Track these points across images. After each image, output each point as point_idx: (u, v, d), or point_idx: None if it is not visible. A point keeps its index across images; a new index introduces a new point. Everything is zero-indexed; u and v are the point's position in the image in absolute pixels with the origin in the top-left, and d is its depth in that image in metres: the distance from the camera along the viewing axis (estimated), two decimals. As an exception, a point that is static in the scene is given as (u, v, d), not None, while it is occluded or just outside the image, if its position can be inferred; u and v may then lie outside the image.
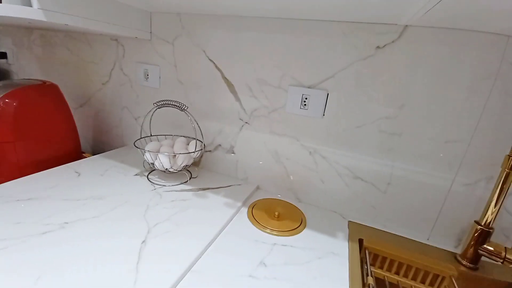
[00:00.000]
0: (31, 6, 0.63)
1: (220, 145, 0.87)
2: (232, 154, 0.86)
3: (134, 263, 0.47)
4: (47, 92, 0.87)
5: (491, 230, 0.57)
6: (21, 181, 0.69)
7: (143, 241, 0.53)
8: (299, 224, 0.67)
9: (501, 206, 0.56)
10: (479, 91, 0.57)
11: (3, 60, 1.31)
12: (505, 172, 0.54)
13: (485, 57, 0.55)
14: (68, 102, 0.94)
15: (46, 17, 0.62)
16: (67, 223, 0.55)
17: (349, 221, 0.72)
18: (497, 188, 0.55)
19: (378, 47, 0.62)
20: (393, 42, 0.61)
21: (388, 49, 0.61)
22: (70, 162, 0.82)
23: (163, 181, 0.78)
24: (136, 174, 0.80)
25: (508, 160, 0.53)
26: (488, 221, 0.57)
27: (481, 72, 0.56)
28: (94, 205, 0.62)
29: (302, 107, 0.72)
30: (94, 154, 0.93)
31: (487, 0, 0.37)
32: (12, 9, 0.60)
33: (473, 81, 0.57)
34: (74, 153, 0.94)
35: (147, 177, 0.79)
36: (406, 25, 0.59)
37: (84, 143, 1.17)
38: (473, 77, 0.57)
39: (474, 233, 0.58)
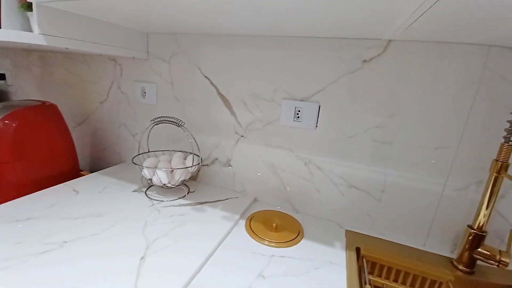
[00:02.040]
0: (31, 31, 0.66)
1: (217, 158, 0.89)
2: (229, 167, 0.87)
3: (133, 280, 0.47)
4: (46, 113, 0.89)
5: (484, 234, 0.58)
6: (20, 201, 0.69)
7: (142, 257, 0.53)
8: (296, 235, 0.67)
9: (493, 209, 0.57)
10: (464, 98, 0.60)
11: (2, 82, 1.33)
12: (494, 176, 0.55)
13: (468, 66, 0.59)
14: (66, 121, 0.96)
15: (47, 42, 0.64)
16: (65, 242, 0.56)
17: (346, 230, 0.72)
18: (487, 192, 0.57)
19: (365, 60, 0.65)
20: (378, 55, 0.64)
21: (374, 62, 0.64)
22: (68, 180, 0.83)
23: (161, 196, 0.79)
24: (134, 191, 0.81)
25: (496, 164, 0.55)
26: (480, 225, 0.58)
27: (464, 80, 0.59)
28: (93, 223, 0.63)
29: (295, 119, 0.74)
30: (92, 172, 0.93)
31: (460, 14, 0.40)
32: (13, 35, 0.62)
33: (457, 89, 0.60)
34: (72, 172, 0.95)
35: (145, 193, 0.80)
36: (390, 40, 0.62)
37: (82, 161, 1.18)
38: (458, 85, 0.60)
39: (468, 237, 0.59)
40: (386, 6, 0.40)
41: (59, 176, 0.89)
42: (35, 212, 0.65)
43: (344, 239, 0.69)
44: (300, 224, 0.73)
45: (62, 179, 0.83)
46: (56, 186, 0.79)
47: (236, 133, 0.84)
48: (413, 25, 0.44)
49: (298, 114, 0.74)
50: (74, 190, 0.78)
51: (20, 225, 0.60)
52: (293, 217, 0.76)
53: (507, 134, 0.53)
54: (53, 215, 0.65)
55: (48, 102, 0.92)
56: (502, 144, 0.54)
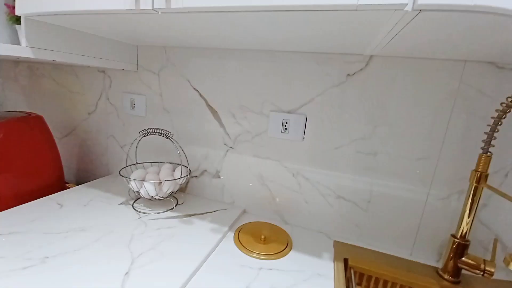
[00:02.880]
0: (19, 43, 0.66)
1: (206, 170, 0.88)
2: (218, 179, 0.87)
3: (117, 296, 0.46)
4: (32, 124, 0.88)
5: (467, 243, 0.59)
6: (2, 215, 0.67)
7: (126, 273, 0.52)
8: (285, 247, 0.67)
9: (475, 218, 0.58)
10: (443, 111, 0.62)
11: (-12, 93, 1.30)
12: (473, 186, 0.57)
13: (445, 81, 0.61)
14: (53, 133, 0.94)
15: (34, 55, 0.64)
16: (47, 257, 0.54)
17: (335, 241, 0.73)
18: (468, 201, 0.58)
19: (348, 74, 0.67)
20: (361, 70, 0.66)
21: (357, 76, 0.67)
22: (53, 193, 0.81)
23: (148, 209, 0.78)
24: (121, 203, 0.80)
25: (475, 174, 0.57)
26: (463, 234, 0.59)
27: (442, 94, 0.62)
28: (76, 237, 0.61)
29: (283, 131, 0.75)
30: (78, 184, 0.92)
31: (433, 34, 0.42)
32: (1, 48, 0.62)
33: (437, 102, 0.63)
34: (57, 184, 0.93)
35: (132, 205, 0.79)
36: (371, 55, 0.65)
37: (68, 173, 1.16)
38: (437, 99, 0.62)
39: (452, 246, 0.60)
40: (362, 26, 0.42)
41: (43, 189, 0.87)
42: (18, 227, 0.63)
43: (333, 250, 0.69)
44: (288, 235, 0.73)
45: (46, 192, 0.81)
46: (39, 199, 0.77)
47: (225, 144, 0.84)
48: (391, 42, 0.46)
49: (285, 126, 0.75)
50: (58, 204, 0.76)
51: (3, 239, 0.58)
52: (281, 229, 0.76)
53: (485, 145, 0.55)
54: (35, 229, 0.63)
55: (34, 113, 0.91)
56: (481, 155, 0.56)
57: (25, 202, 0.74)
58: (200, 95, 0.84)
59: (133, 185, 0.76)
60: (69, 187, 0.88)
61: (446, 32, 0.39)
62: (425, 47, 0.51)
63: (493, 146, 0.55)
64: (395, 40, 0.45)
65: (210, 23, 0.50)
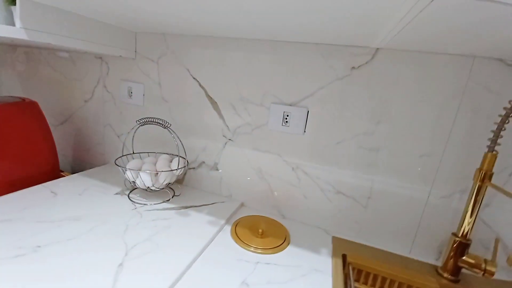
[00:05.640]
0: (14, 25, 0.64)
1: (204, 162, 0.87)
2: (217, 171, 0.85)
3: None
4: (26, 110, 0.85)
5: (469, 242, 0.58)
6: (-7, 203, 0.66)
7: (120, 264, 0.51)
8: (283, 241, 0.66)
9: (477, 218, 0.57)
10: (449, 107, 0.61)
11: (-17, 78, 1.28)
12: (477, 185, 0.56)
13: (453, 76, 0.59)
14: (48, 120, 0.92)
15: (29, 36, 0.62)
16: (39, 246, 0.53)
17: (333, 237, 0.72)
18: (471, 200, 0.57)
19: (353, 67, 0.65)
20: (366, 63, 0.64)
21: (362, 70, 0.65)
22: (47, 181, 0.79)
23: (144, 200, 0.77)
24: (116, 193, 0.78)
25: (479, 173, 0.56)
26: (465, 233, 0.58)
27: (449, 90, 0.60)
28: (70, 227, 0.60)
29: (284, 124, 0.74)
30: (73, 173, 0.90)
31: (443, 25, 0.40)
32: (-6, 28, 0.59)
33: (443, 98, 0.61)
34: (51, 172, 0.91)
35: (128, 196, 0.78)
36: (378, 48, 0.63)
37: (64, 161, 1.14)
38: (443, 95, 0.61)
39: (453, 245, 0.59)
40: (374, 12, 0.40)
41: (37, 176, 0.85)
42: (10, 214, 0.62)
43: (331, 245, 0.68)
44: (286, 230, 0.72)
45: (40, 180, 0.79)
46: (33, 187, 0.75)
47: (224, 136, 0.82)
48: (399, 34, 0.44)
49: (286, 118, 0.73)
50: (52, 192, 0.74)
51: (-7, 227, 0.57)
52: (279, 223, 0.75)
53: (490, 144, 0.54)
54: (27, 217, 0.61)
55: (28, 99, 0.89)
56: (486, 154, 0.55)
57: (18, 190, 0.72)
58: (200, 84, 0.82)
59: (129, 175, 0.75)
60: (64, 176, 0.86)
61: (459, 22, 0.37)
62: (435, 39, 0.49)
63: (499, 144, 0.53)
64: (405, 30, 0.43)
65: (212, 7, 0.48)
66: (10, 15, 0.70)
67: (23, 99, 0.87)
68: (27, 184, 0.76)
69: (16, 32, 0.61)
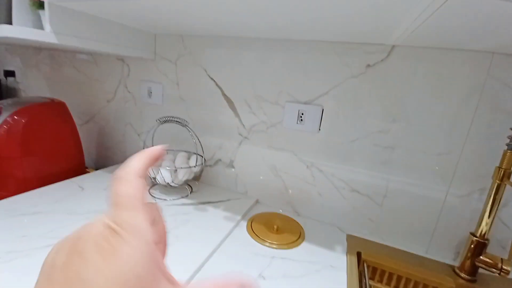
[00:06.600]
0: (43, 29, 0.68)
1: (220, 159, 0.89)
2: (233, 168, 0.88)
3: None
4: (55, 110, 0.91)
5: (486, 242, 0.58)
6: (26, 196, 0.71)
7: (144, 254, 0.54)
8: (297, 237, 0.68)
9: (495, 217, 0.57)
10: (467, 105, 0.60)
11: (12, 78, 1.36)
12: (496, 184, 0.55)
13: (471, 73, 0.59)
14: (74, 119, 0.98)
15: (58, 40, 0.66)
16: (70, 236, 0.57)
17: (348, 234, 0.72)
18: (489, 199, 0.56)
19: (368, 65, 0.66)
20: (382, 61, 0.64)
21: (378, 67, 0.65)
22: (74, 177, 0.84)
23: (164, 195, 0.80)
24: (138, 189, 0.82)
25: (499, 171, 0.55)
26: (483, 233, 0.58)
27: (468, 87, 0.59)
28: (97, 219, 0.64)
29: (298, 122, 0.75)
30: (97, 169, 0.95)
31: (463, 21, 0.40)
32: (25, 32, 0.63)
33: (461, 96, 0.60)
34: (78, 168, 0.97)
35: (149, 191, 0.81)
36: (394, 45, 0.62)
37: (88, 158, 1.20)
38: (461, 92, 0.60)
39: (470, 245, 0.59)
40: (391, 9, 0.40)
41: (65, 172, 0.90)
42: (41, 207, 0.66)
43: (345, 243, 0.68)
44: (301, 226, 0.73)
45: (68, 176, 0.85)
46: (62, 182, 0.80)
47: (239, 134, 0.84)
48: (417, 30, 0.44)
49: (301, 117, 0.74)
50: (80, 187, 0.79)
51: (26, 220, 0.61)
52: (294, 220, 0.76)
53: (510, 141, 0.53)
54: (58, 210, 0.66)
55: (57, 99, 0.94)
56: (505, 152, 0.54)
57: (48, 184, 0.77)
58: (216, 84, 0.85)
59: (150, 171, 0.78)
60: (89, 172, 0.91)
61: (479, 17, 0.37)
62: (453, 35, 0.49)
63: (520, 142, 0.52)
64: (423, 26, 0.43)
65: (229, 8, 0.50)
66: (38, 19, 0.75)
67: (52, 100, 0.93)
68: (56, 179, 0.81)
69: (46, 36, 0.65)
